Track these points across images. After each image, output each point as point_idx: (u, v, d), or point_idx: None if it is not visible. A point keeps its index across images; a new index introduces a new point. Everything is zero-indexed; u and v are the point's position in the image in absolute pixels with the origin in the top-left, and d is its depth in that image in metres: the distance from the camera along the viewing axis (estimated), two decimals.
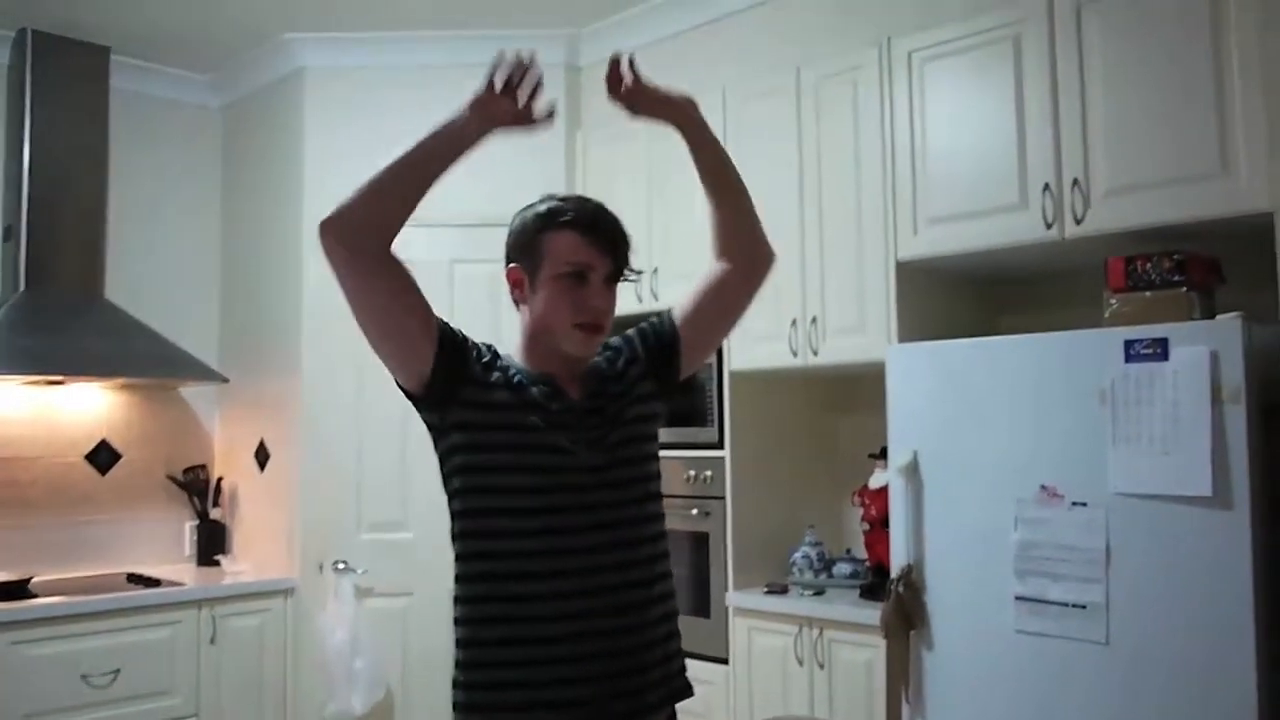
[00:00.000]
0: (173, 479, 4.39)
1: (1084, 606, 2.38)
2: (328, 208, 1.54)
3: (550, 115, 1.60)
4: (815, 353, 3.14)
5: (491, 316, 3.83)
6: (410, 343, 1.63)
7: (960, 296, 3.16)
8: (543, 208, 1.71)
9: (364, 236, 1.56)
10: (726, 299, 1.82)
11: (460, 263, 3.98)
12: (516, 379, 1.66)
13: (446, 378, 1.63)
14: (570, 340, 1.67)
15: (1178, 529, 2.26)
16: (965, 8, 2.98)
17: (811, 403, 3.59)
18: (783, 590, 3.23)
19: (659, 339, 1.81)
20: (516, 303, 1.73)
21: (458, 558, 1.67)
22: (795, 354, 3.20)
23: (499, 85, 1.56)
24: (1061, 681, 2.40)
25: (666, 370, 1.80)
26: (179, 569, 4.24)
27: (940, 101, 2.91)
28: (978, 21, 2.84)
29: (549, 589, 1.60)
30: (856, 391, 3.49)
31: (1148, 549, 2.30)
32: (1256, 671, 2.14)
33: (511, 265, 1.72)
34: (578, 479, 1.63)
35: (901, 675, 2.66)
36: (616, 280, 1.71)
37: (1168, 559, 2.27)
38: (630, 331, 1.84)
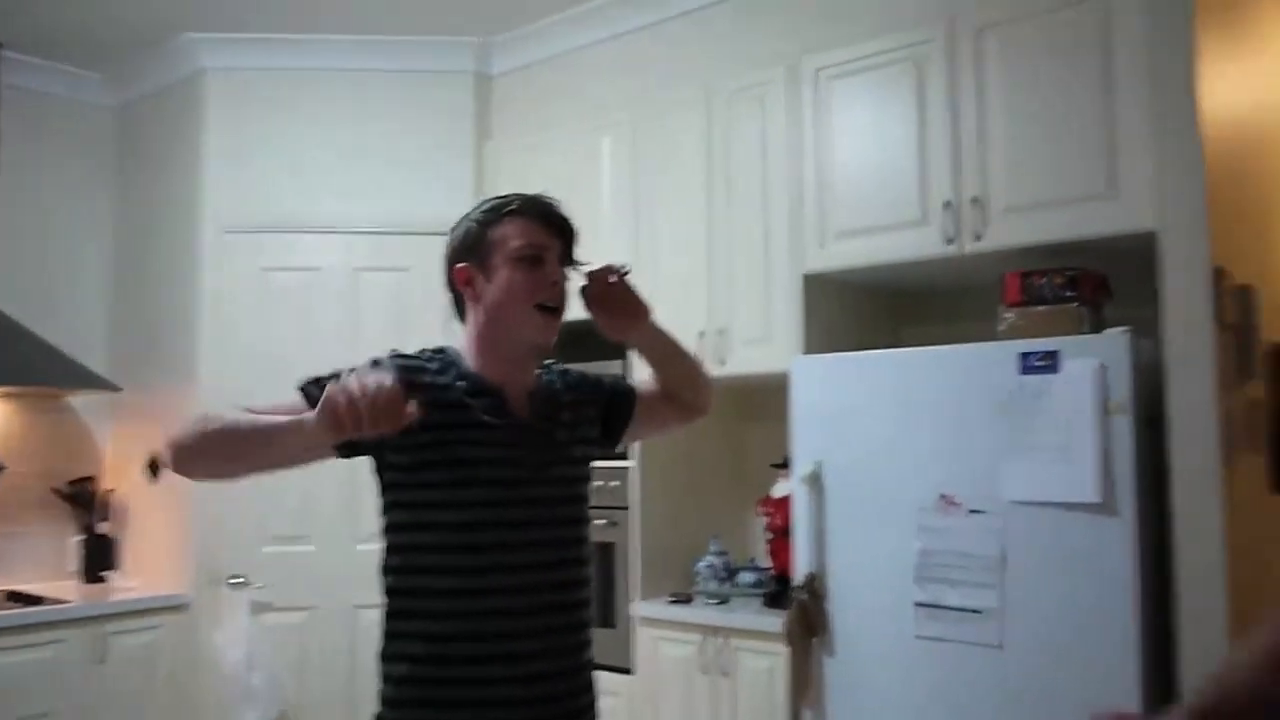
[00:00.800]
0: (58, 492, 4.21)
1: (979, 611, 2.44)
2: (170, 433, 1.52)
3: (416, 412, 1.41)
4: (723, 363, 3.17)
5: (396, 326, 3.79)
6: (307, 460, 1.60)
7: (865, 309, 3.23)
8: (486, 205, 1.70)
9: (208, 477, 1.59)
10: (667, 421, 1.94)
11: (365, 271, 3.92)
12: (456, 396, 1.61)
13: (357, 447, 1.57)
14: (531, 324, 1.64)
15: (1068, 535, 2.34)
16: (871, 28, 3.05)
17: (718, 413, 3.59)
18: (687, 600, 3.25)
19: (619, 397, 1.86)
20: (462, 305, 1.70)
21: (388, 591, 1.65)
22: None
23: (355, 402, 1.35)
24: (959, 685, 2.46)
25: (613, 429, 1.84)
26: (63, 586, 4.07)
27: (846, 119, 2.98)
28: (883, 41, 2.91)
29: (477, 629, 1.58)
30: (762, 401, 3.53)
31: (1040, 555, 2.37)
32: (1140, 670, 2.23)
33: (459, 266, 1.67)
34: (514, 514, 1.61)
35: (804, 682, 2.69)
36: (567, 265, 1.70)
37: (1058, 564, 2.34)
38: (594, 374, 1.86)
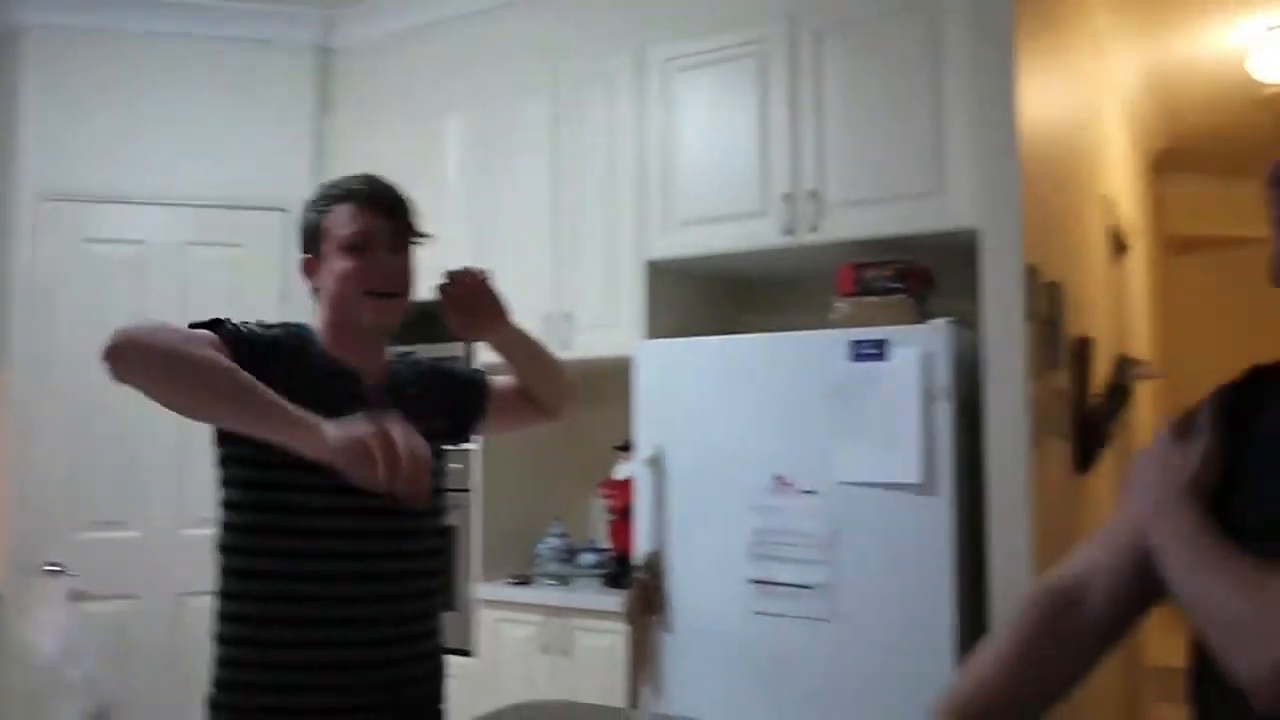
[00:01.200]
0: None
1: (810, 587, 2.56)
2: (139, 328, 1.42)
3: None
4: (567, 347, 3.20)
5: (230, 303, 3.64)
6: None
7: (707, 295, 3.32)
8: (319, 192, 1.70)
9: (142, 387, 1.42)
10: (523, 419, 1.94)
11: (196, 246, 3.76)
12: (312, 376, 1.60)
13: None
14: (364, 310, 1.64)
15: (892, 513, 2.48)
16: (716, 23, 3.12)
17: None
18: (528, 581, 3.28)
19: (472, 391, 1.86)
20: (314, 293, 1.70)
21: (224, 569, 1.62)
22: None
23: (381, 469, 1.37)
24: (791, 657, 2.57)
25: (463, 422, 1.85)
26: None
27: (691, 110, 3.05)
28: (727, 36, 3.00)
29: (315, 613, 1.57)
30: (604, 385, 3.57)
31: (866, 532, 2.50)
32: (955, 638, 2.38)
33: (304, 256, 1.69)
34: (353, 501, 1.56)
35: (643, 658, 2.76)
36: (404, 246, 1.68)
37: (883, 540, 2.48)
38: (448, 365, 1.87)
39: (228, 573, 1.62)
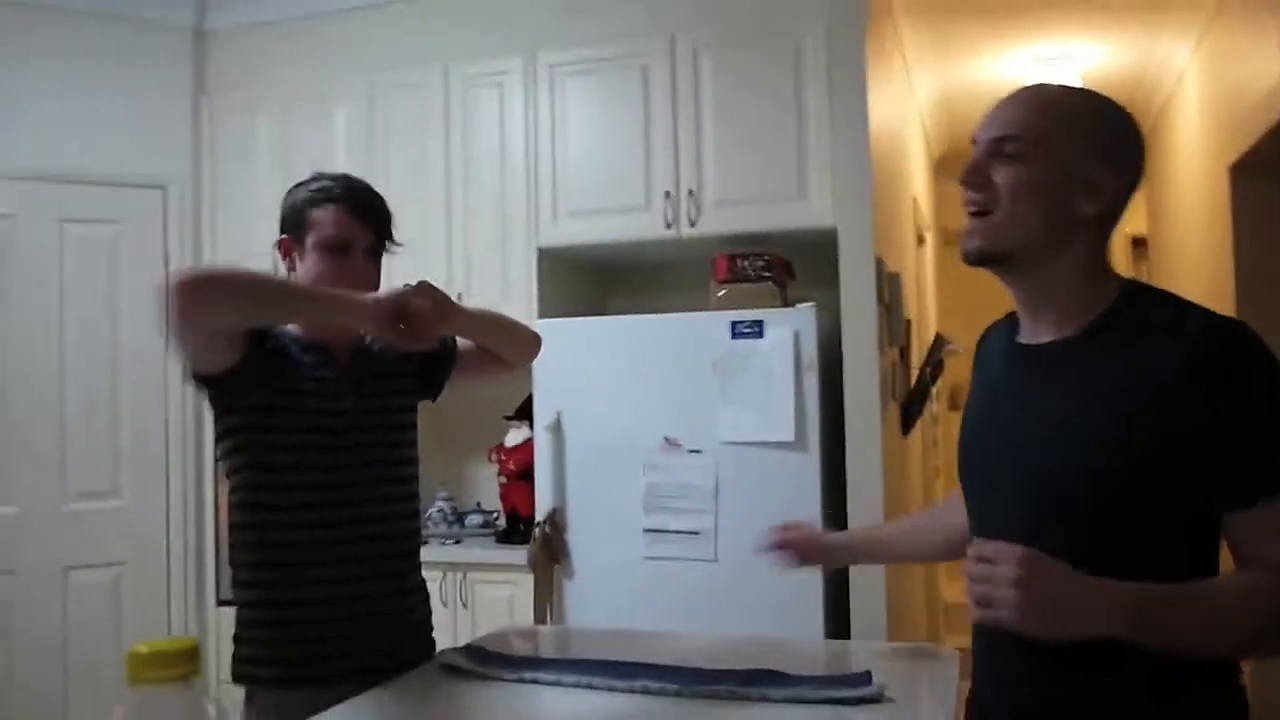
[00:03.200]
0: None
1: (698, 533, 2.97)
2: (198, 268, 1.62)
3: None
4: None
5: (109, 284, 3.69)
6: (222, 361, 1.77)
7: (593, 280, 3.68)
8: (313, 185, 1.87)
9: (218, 320, 1.64)
10: (484, 373, 2.10)
11: (72, 223, 3.75)
12: (289, 360, 1.82)
13: (237, 384, 1.78)
14: None
15: (769, 468, 2.92)
16: (601, 33, 3.44)
17: None
18: (423, 542, 3.52)
19: (442, 350, 2.02)
20: (288, 272, 1.89)
21: (238, 526, 1.84)
22: None
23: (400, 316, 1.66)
24: (681, 594, 2.98)
25: (432, 379, 2.03)
26: None
27: (579, 111, 3.38)
28: (612, 47, 3.34)
29: (306, 557, 1.79)
30: None
31: (746, 484, 2.94)
32: (822, 573, 2.85)
33: (281, 237, 1.88)
34: (337, 458, 1.82)
35: (547, 601, 3.10)
36: (379, 253, 1.89)
37: (761, 491, 2.92)
38: None
39: (238, 528, 1.84)
